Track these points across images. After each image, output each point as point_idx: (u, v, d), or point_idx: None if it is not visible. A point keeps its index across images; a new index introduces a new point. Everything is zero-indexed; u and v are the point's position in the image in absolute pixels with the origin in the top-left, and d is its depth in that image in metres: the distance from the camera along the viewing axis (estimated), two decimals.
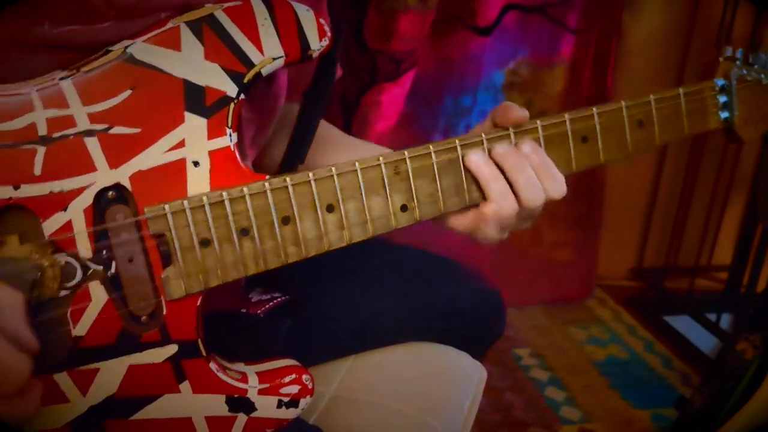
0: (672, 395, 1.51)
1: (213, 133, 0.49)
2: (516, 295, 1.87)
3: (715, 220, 1.98)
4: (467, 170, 0.56)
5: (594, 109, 0.60)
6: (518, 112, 0.57)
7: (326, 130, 0.76)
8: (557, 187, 0.58)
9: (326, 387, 0.74)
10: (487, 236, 0.58)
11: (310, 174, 0.51)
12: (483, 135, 0.57)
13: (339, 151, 0.71)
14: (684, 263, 2.03)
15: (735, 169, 1.92)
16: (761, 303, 1.47)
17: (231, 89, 0.49)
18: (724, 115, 0.67)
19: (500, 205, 0.56)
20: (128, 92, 0.47)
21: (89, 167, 0.46)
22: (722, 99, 0.67)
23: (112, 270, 0.47)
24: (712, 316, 1.82)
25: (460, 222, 0.59)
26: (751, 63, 0.68)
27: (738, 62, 0.67)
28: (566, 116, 0.59)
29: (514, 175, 0.56)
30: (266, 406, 0.53)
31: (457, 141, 0.56)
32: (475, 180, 0.57)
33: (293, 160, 0.61)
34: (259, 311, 0.71)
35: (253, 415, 0.53)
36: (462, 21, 1.60)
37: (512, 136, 0.58)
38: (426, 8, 1.43)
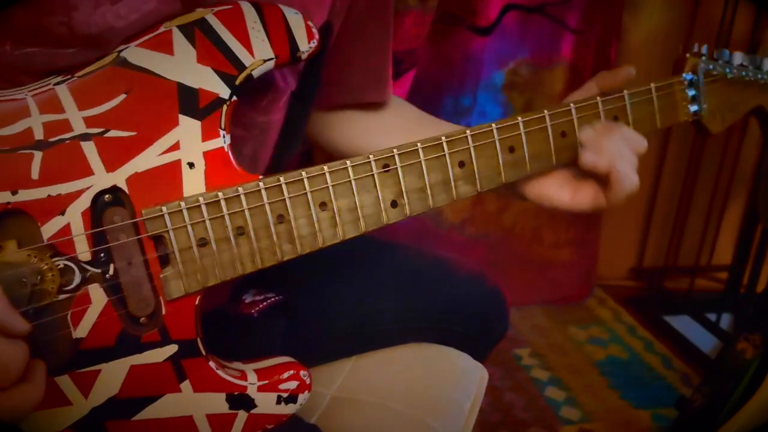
0: (672, 395, 1.51)
1: (207, 134, 0.50)
2: (516, 295, 1.86)
3: (715, 220, 1.98)
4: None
5: (571, 104, 0.62)
6: (623, 73, 0.63)
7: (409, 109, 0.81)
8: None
9: (327, 387, 0.74)
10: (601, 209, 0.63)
11: (303, 172, 0.52)
12: (572, 104, 0.61)
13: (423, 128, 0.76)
14: (684, 263, 2.03)
15: (735, 169, 1.92)
16: (761, 303, 1.47)
17: (223, 91, 0.50)
18: (693, 108, 0.70)
19: (631, 182, 0.59)
20: (123, 96, 0.47)
21: (86, 171, 0.46)
22: (691, 93, 0.69)
23: (111, 272, 0.47)
24: (712, 316, 1.82)
25: (579, 201, 0.63)
26: (715, 58, 0.71)
27: (704, 57, 0.70)
28: (546, 112, 0.61)
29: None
30: (266, 403, 0.54)
31: (443, 138, 0.57)
32: (462, 176, 0.58)
33: (280, 161, 0.61)
34: (252, 311, 0.72)
35: (253, 411, 0.53)
36: (462, 21, 1.61)
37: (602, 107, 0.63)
38: (426, 8, 1.43)
